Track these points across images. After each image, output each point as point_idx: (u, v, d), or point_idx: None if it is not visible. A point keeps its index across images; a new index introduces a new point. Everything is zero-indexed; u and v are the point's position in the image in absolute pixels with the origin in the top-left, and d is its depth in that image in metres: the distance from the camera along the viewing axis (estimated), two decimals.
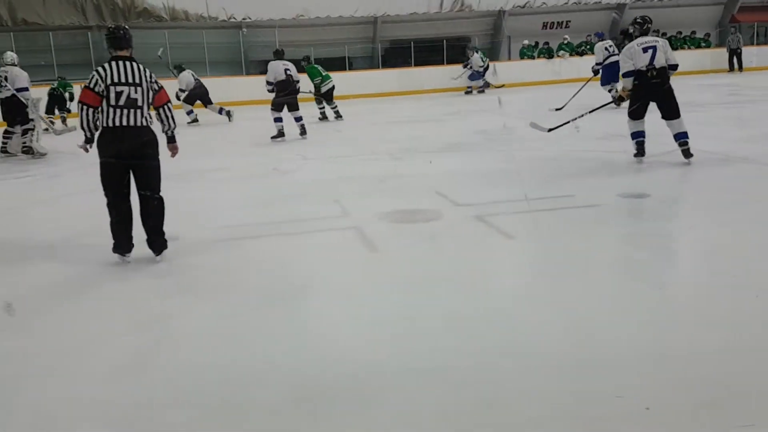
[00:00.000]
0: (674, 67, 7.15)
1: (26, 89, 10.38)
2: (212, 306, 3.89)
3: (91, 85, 4.47)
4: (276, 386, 2.87)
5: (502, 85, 20.32)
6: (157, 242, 4.71)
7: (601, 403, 2.59)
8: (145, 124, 4.60)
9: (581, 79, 14.44)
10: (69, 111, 15.67)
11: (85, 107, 4.49)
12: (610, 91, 13.32)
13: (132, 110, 4.52)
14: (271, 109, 11.30)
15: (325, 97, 14.16)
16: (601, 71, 13.62)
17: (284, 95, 11.24)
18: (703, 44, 24.19)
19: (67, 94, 15.72)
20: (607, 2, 25.54)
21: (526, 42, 23.06)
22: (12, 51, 11.10)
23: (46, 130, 11.11)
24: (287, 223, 5.71)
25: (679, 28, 24.61)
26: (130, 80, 4.53)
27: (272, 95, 11.37)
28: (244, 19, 22.12)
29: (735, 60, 22.36)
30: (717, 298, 3.64)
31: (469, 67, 19.95)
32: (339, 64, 22.77)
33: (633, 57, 7.05)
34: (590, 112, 7.51)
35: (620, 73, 7.29)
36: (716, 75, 21.80)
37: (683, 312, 3.47)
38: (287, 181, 7.86)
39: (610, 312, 3.52)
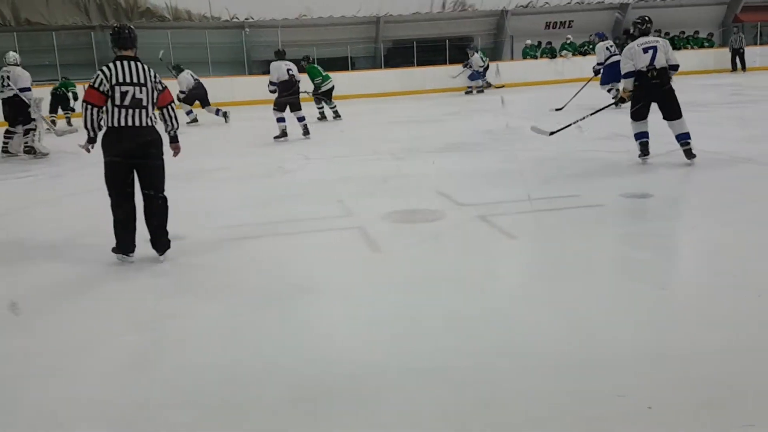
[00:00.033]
0: (675, 67, 7.11)
1: (29, 89, 10.41)
2: (213, 306, 3.89)
3: (96, 85, 4.47)
4: (276, 386, 2.87)
5: (502, 86, 20.31)
6: (161, 242, 4.71)
7: (601, 402, 2.59)
8: (150, 124, 4.61)
9: (584, 79, 14.44)
10: (73, 110, 15.71)
11: (89, 106, 4.49)
12: (609, 91, 13.32)
13: (137, 110, 4.53)
14: (274, 109, 11.31)
15: (324, 96, 14.19)
16: (602, 71, 13.61)
17: (287, 95, 11.26)
18: (706, 44, 24.16)
19: (70, 94, 15.76)
20: (610, 2, 25.52)
21: (528, 42, 23.05)
22: (15, 51, 11.12)
23: (48, 130, 11.13)
24: (289, 222, 5.71)
25: (682, 28, 24.57)
26: (135, 80, 4.53)
27: (274, 95, 11.39)
28: (246, 19, 22.15)
29: (737, 60, 22.31)
30: (718, 298, 3.63)
31: (468, 66, 19.96)
32: (341, 64, 22.80)
33: (633, 57, 7.03)
34: (591, 114, 7.49)
35: (621, 74, 7.27)
36: (719, 75, 21.75)
37: (685, 312, 3.47)
38: (289, 181, 7.86)
39: (611, 312, 3.51)
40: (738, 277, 3.89)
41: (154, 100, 4.65)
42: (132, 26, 4.75)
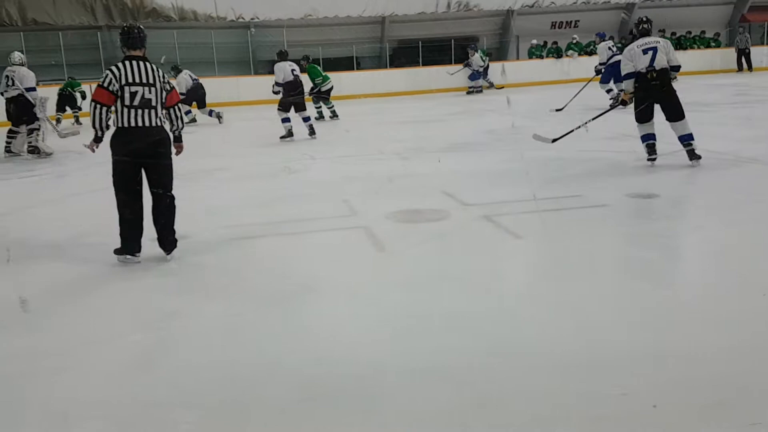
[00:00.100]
0: (677, 68, 7.06)
1: (34, 89, 10.45)
2: (218, 305, 3.90)
3: (105, 84, 4.49)
4: (280, 385, 2.88)
5: (502, 87, 20.28)
6: (168, 241, 4.73)
7: (606, 402, 2.59)
8: (158, 124, 4.64)
9: (596, 79, 14.40)
10: (80, 109, 15.76)
11: (98, 106, 4.51)
12: (608, 91, 13.32)
13: (146, 110, 4.55)
14: (278, 110, 11.32)
15: (323, 96, 14.23)
16: (603, 70, 13.61)
17: (294, 95, 11.28)
18: (712, 44, 24.07)
19: (77, 94, 15.79)
20: (616, 2, 25.47)
21: (534, 42, 23.01)
22: (22, 50, 11.18)
23: (52, 130, 11.16)
24: (295, 222, 5.72)
25: (688, 28, 24.50)
26: (144, 80, 4.55)
27: (278, 96, 11.41)
28: (252, 19, 22.18)
29: (743, 60, 22.24)
30: (724, 297, 3.63)
31: (468, 66, 20.01)
32: (347, 63, 22.82)
33: (633, 59, 6.99)
34: (593, 119, 7.43)
35: (622, 75, 7.24)
36: (725, 75, 21.70)
37: (690, 311, 3.46)
38: (295, 180, 7.88)
39: (616, 311, 3.51)
40: (743, 277, 3.89)
41: (163, 100, 4.67)
42: (141, 26, 4.76)
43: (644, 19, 7.31)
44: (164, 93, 4.67)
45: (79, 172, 8.97)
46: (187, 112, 14.85)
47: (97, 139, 4.65)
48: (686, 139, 6.94)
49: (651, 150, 7.11)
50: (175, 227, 4.75)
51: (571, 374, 2.82)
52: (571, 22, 25.55)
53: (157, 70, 4.67)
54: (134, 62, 4.57)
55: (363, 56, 23.98)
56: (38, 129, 10.55)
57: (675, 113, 6.91)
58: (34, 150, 10.53)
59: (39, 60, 18.88)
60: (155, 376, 3.05)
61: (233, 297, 4.03)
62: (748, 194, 5.88)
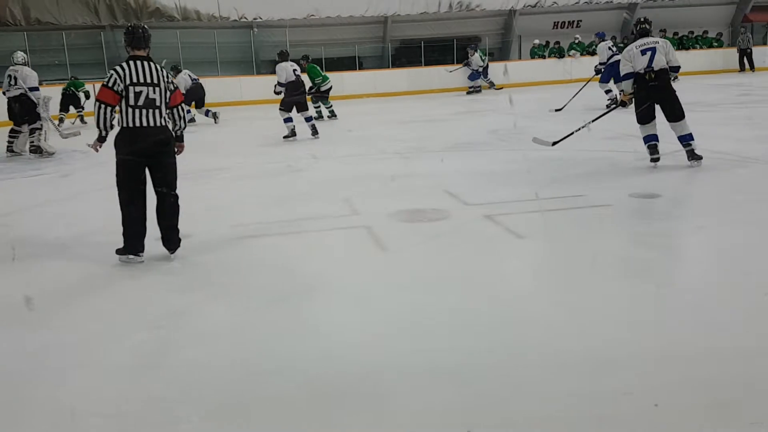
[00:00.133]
0: (676, 68, 7.03)
1: (37, 89, 10.49)
2: (223, 304, 3.92)
3: (110, 84, 4.51)
4: (284, 384, 2.90)
5: (501, 87, 20.28)
6: (173, 240, 4.75)
7: (608, 401, 2.61)
8: (163, 124, 4.66)
9: (595, 79, 14.42)
10: (83, 108, 15.80)
11: (103, 105, 4.53)
12: (607, 92, 13.33)
13: (151, 110, 4.57)
14: (280, 110, 11.35)
15: (322, 96, 14.26)
16: (603, 70, 13.63)
17: (297, 95, 11.31)
18: (715, 44, 24.04)
19: (81, 94, 15.82)
20: (619, 2, 25.46)
21: (536, 41, 23.02)
22: (26, 50, 11.23)
23: (54, 129, 11.19)
24: (297, 221, 5.75)
25: (691, 28, 24.48)
26: (149, 80, 4.57)
27: (280, 96, 11.43)
28: (255, 18, 22.21)
29: (745, 60, 22.22)
30: (726, 297, 3.64)
31: (468, 66, 20.06)
32: (349, 63, 22.86)
33: (632, 59, 7.00)
34: (592, 121, 7.43)
35: (621, 76, 7.24)
36: (728, 75, 21.68)
37: (692, 312, 3.47)
38: (297, 180, 7.89)
39: (618, 311, 3.52)
40: (745, 277, 3.90)
41: (167, 100, 4.69)
42: (146, 26, 4.79)
43: (642, 19, 7.31)
44: (168, 93, 4.70)
45: (84, 172, 9.01)
46: (187, 112, 14.87)
47: (101, 139, 4.68)
48: (686, 140, 6.94)
49: (653, 151, 7.09)
50: (179, 226, 4.78)
51: (573, 374, 2.84)
52: (573, 22, 25.56)
53: (161, 70, 4.69)
54: (138, 62, 4.59)
55: (365, 56, 24.01)
56: (40, 129, 10.58)
57: (674, 113, 6.91)
58: (37, 150, 10.56)
59: (42, 60, 18.99)
60: (160, 374, 3.07)
61: (237, 296, 4.06)
62: (750, 194, 5.89)
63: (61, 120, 14.71)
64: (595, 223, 5.35)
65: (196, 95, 14.79)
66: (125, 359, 3.22)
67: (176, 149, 4.92)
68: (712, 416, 2.48)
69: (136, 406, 2.76)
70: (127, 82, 4.50)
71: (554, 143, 7.34)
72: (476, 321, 3.48)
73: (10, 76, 10.44)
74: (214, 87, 17.61)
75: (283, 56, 11.63)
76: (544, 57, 22.70)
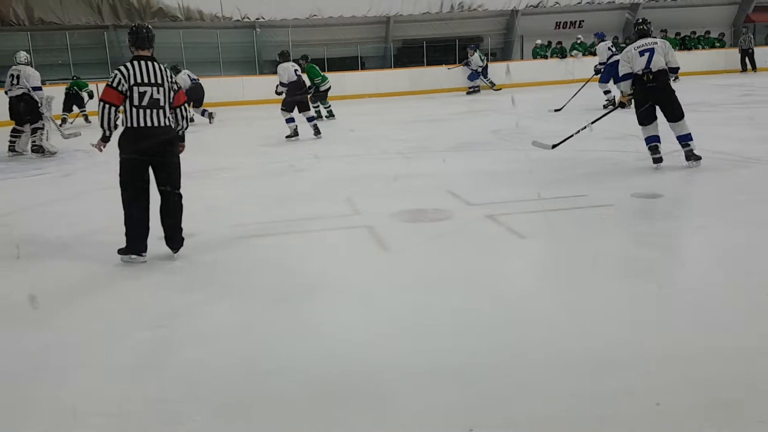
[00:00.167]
0: (675, 70, 6.99)
1: (40, 88, 10.52)
2: (225, 303, 3.93)
3: (114, 84, 4.51)
4: (287, 383, 2.90)
5: (500, 88, 20.26)
6: (176, 238, 4.76)
7: (610, 401, 2.61)
8: (167, 123, 4.66)
9: (594, 79, 14.41)
10: (86, 108, 15.82)
11: (107, 105, 4.53)
12: (606, 92, 13.32)
13: (155, 110, 4.58)
14: (282, 110, 11.37)
15: (321, 96, 14.29)
16: (602, 69, 13.62)
17: (299, 95, 11.33)
18: (717, 44, 24.01)
19: (85, 94, 15.84)
20: (621, 2, 25.43)
21: (538, 42, 23.02)
22: (29, 50, 11.26)
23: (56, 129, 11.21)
24: (299, 221, 5.75)
25: (693, 28, 24.45)
26: (153, 80, 4.58)
27: (281, 96, 11.45)
28: (257, 19, 22.22)
29: (747, 60, 22.19)
30: (727, 297, 3.64)
31: (467, 65, 20.07)
32: (351, 63, 22.87)
33: (630, 60, 6.98)
34: (591, 123, 7.40)
35: (619, 76, 7.22)
36: (730, 75, 21.66)
37: (694, 311, 3.47)
38: (300, 180, 7.90)
39: (620, 311, 3.52)
40: (748, 277, 3.90)
41: (171, 100, 4.70)
42: (150, 26, 4.79)
43: (641, 20, 7.30)
44: (172, 93, 4.71)
45: (86, 171, 9.02)
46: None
47: (105, 139, 4.68)
48: (684, 140, 6.92)
49: (655, 152, 7.07)
50: (182, 226, 4.79)
51: (575, 374, 2.84)
52: (575, 22, 25.54)
53: (165, 70, 4.70)
54: (143, 62, 4.60)
55: (367, 56, 24.01)
56: (42, 128, 10.60)
57: (673, 114, 6.89)
58: (38, 149, 10.58)
59: (46, 59, 19.02)
60: (162, 374, 3.08)
61: (239, 295, 4.06)
62: (752, 194, 5.88)
63: (63, 120, 14.74)
64: (597, 223, 5.35)
65: (194, 95, 14.80)
66: (127, 359, 3.23)
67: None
68: (714, 416, 2.48)
69: (137, 406, 2.77)
70: (132, 82, 4.51)
71: (553, 146, 7.32)
72: (478, 321, 3.48)
73: (12, 75, 10.48)
74: (217, 87, 17.62)
75: (285, 56, 11.66)
76: (546, 57, 22.69)
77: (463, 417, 2.55)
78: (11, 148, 10.81)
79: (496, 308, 3.65)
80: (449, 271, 4.31)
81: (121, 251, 4.68)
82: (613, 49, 13.70)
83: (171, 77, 4.72)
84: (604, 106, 12.87)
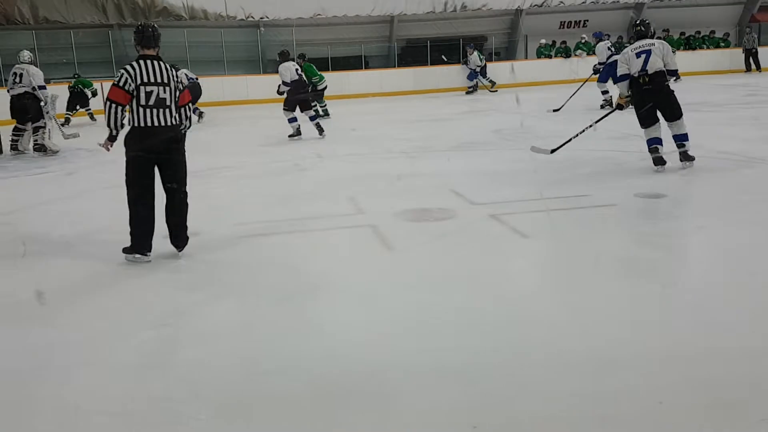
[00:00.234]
0: (673, 72, 6.91)
1: (44, 87, 10.54)
2: (230, 302, 3.94)
3: (121, 84, 4.51)
4: (290, 383, 2.91)
5: (497, 90, 20.22)
6: (181, 237, 4.77)
7: (612, 401, 2.61)
8: (173, 122, 4.67)
9: (593, 79, 14.37)
10: (89, 107, 15.84)
11: (113, 105, 4.54)
12: (604, 92, 13.30)
13: (161, 110, 4.59)
14: (284, 109, 11.38)
15: (318, 94, 14.33)
16: (601, 69, 13.61)
17: (302, 93, 11.34)
18: (722, 44, 23.95)
19: (89, 92, 15.85)
20: (625, 2, 25.36)
21: (543, 41, 22.97)
22: (34, 48, 11.29)
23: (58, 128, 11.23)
24: (303, 220, 5.75)
25: (698, 28, 24.39)
26: (159, 80, 4.58)
27: (283, 96, 11.47)
28: (261, 18, 22.23)
29: (751, 60, 22.12)
30: (730, 297, 3.64)
31: (466, 64, 20.09)
32: (355, 63, 22.86)
33: (627, 62, 6.95)
34: (591, 125, 7.37)
35: (617, 77, 7.19)
36: (734, 75, 21.62)
37: (696, 311, 3.47)
38: (303, 179, 7.91)
39: (622, 311, 3.52)
40: (751, 277, 3.89)
41: (176, 99, 4.70)
42: (155, 25, 4.79)
43: (638, 21, 7.27)
44: (177, 92, 4.71)
45: (89, 170, 9.03)
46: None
47: (112, 138, 4.67)
48: (680, 140, 6.89)
49: (656, 154, 6.98)
50: (187, 224, 4.80)
51: (577, 374, 2.84)
52: (579, 21, 25.49)
53: (171, 70, 4.71)
54: (149, 61, 4.60)
55: (371, 55, 24.00)
56: (44, 127, 10.62)
57: (671, 113, 6.85)
58: (41, 148, 10.59)
59: (50, 58, 19.06)
60: (166, 372, 3.09)
61: (243, 294, 4.07)
62: (756, 194, 5.87)
63: (67, 120, 14.75)
64: (600, 222, 5.35)
65: (192, 94, 14.83)
66: (131, 358, 3.24)
67: None
68: (716, 416, 2.48)
69: (141, 405, 2.77)
70: (138, 81, 4.51)
71: (552, 151, 7.31)
72: (482, 320, 3.49)
73: (15, 74, 10.50)
74: (221, 86, 17.65)
75: (285, 56, 11.69)
76: (550, 57, 22.66)
77: (467, 416, 2.55)
78: (13, 147, 10.83)
79: (500, 307, 3.65)
80: (453, 271, 4.32)
81: (125, 250, 4.69)
82: (613, 49, 13.67)
83: (176, 76, 4.72)
84: (602, 107, 12.86)
